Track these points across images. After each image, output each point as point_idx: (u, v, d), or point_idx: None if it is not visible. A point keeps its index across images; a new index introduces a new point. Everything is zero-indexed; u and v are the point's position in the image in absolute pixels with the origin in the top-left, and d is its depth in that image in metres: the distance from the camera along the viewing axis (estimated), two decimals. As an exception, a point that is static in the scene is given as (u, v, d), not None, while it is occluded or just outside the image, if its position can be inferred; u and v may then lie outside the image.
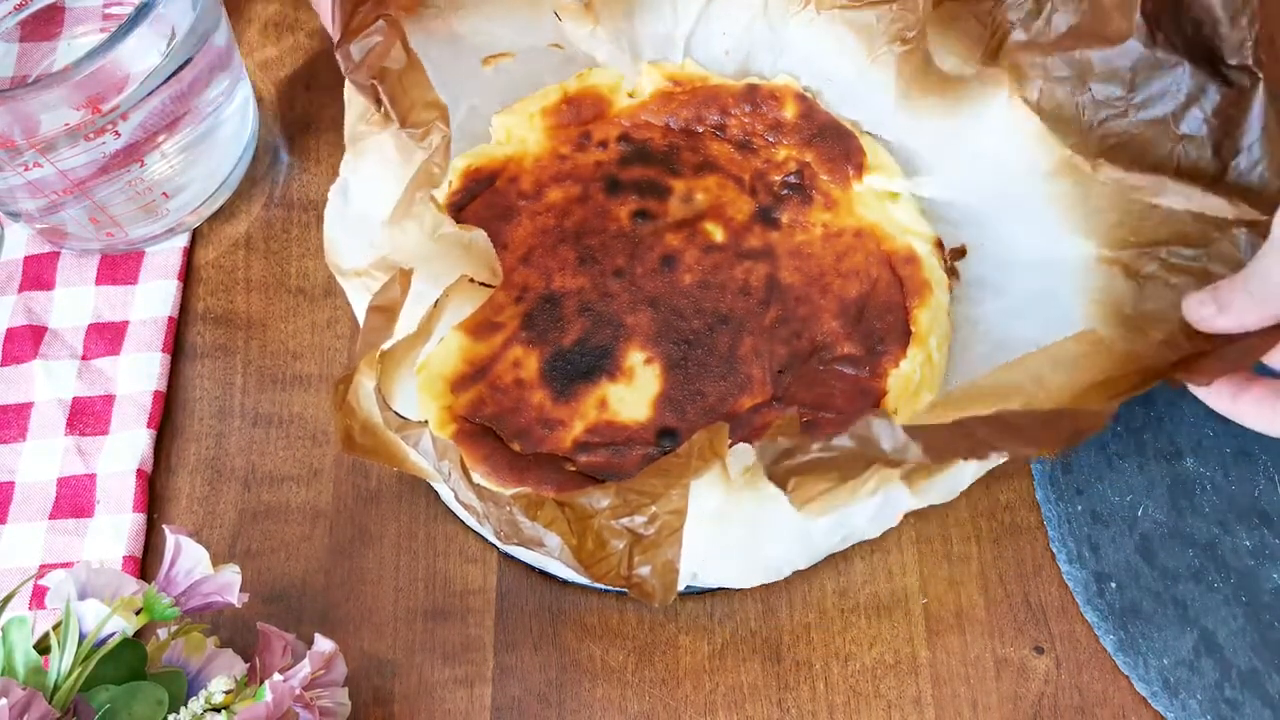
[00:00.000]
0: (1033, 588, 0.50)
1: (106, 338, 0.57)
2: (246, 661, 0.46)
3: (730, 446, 0.42)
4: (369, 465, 0.54)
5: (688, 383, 0.51)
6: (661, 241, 0.54)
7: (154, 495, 0.54)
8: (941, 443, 0.39)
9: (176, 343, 0.58)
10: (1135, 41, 0.49)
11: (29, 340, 0.58)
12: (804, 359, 0.51)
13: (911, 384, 0.50)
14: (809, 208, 0.55)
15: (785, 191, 0.55)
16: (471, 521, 0.52)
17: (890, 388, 0.50)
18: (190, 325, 0.58)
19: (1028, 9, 0.51)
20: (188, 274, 0.60)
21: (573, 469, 0.49)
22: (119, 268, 0.59)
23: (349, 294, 0.52)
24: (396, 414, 0.43)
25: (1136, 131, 0.50)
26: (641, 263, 0.54)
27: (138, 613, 0.43)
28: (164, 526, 0.46)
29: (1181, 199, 0.48)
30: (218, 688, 0.42)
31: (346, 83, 0.48)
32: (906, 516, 0.49)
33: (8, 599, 0.44)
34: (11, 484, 0.54)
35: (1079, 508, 0.51)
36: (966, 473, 0.47)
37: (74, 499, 0.54)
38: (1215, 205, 0.47)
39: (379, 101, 0.47)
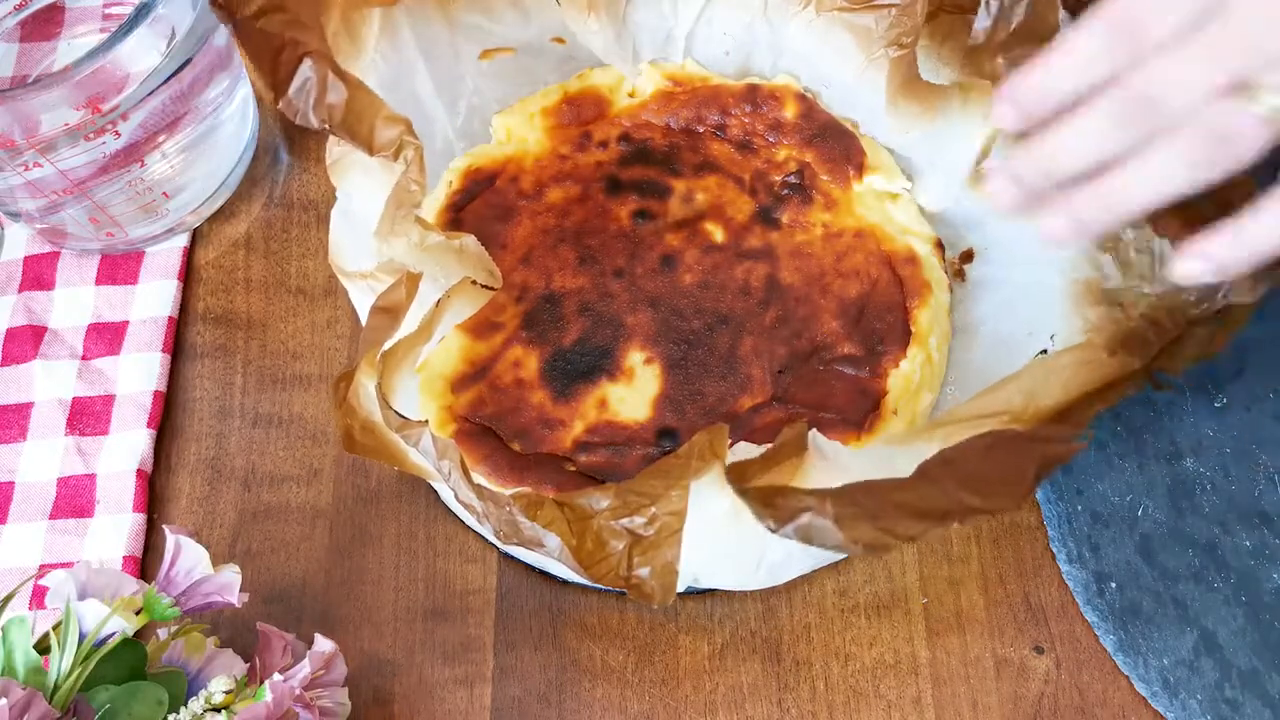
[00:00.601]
0: (1033, 588, 0.50)
1: (106, 338, 0.57)
2: (246, 661, 0.46)
3: (730, 447, 0.42)
4: (369, 465, 0.54)
5: (688, 383, 0.51)
6: (662, 241, 0.54)
7: (154, 495, 0.54)
8: (887, 529, 0.38)
9: (176, 343, 0.58)
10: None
11: (29, 340, 0.58)
12: (804, 359, 0.51)
13: (911, 384, 0.50)
14: (809, 208, 0.55)
15: (785, 191, 0.55)
16: (471, 521, 0.52)
17: (890, 388, 0.50)
18: (190, 325, 0.58)
19: (995, 14, 0.51)
20: (188, 274, 0.60)
21: (573, 469, 0.49)
22: (119, 268, 0.59)
23: (353, 296, 0.52)
24: (397, 413, 0.43)
25: None
26: (642, 263, 0.54)
27: (138, 613, 0.43)
28: (164, 526, 0.46)
29: None
30: (218, 688, 0.42)
31: None
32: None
33: (8, 599, 0.44)
34: (11, 484, 0.54)
35: (1079, 508, 0.51)
36: None
37: (74, 499, 0.54)
38: None
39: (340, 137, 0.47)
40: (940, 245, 0.54)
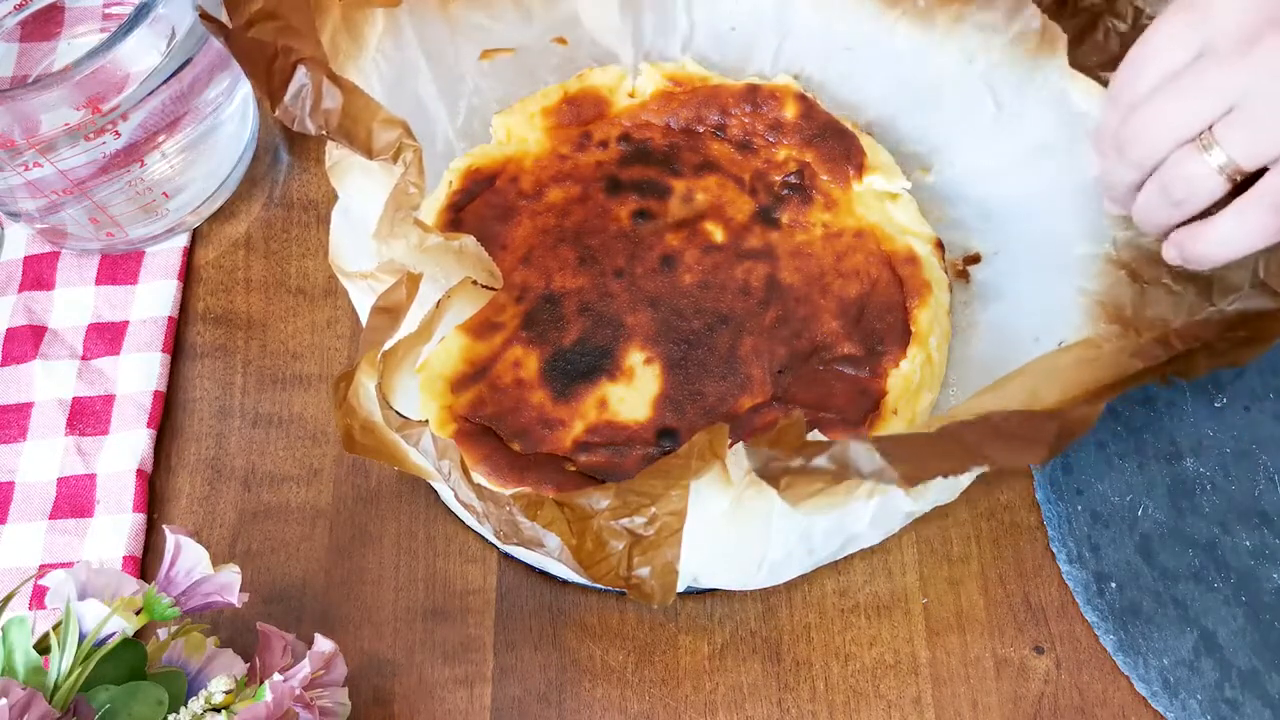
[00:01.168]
0: (1033, 588, 0.50)
1: (106, 338, 0.57)
2: (246, 661, 0.46)
3: (730, 447, 0.42)
4: (369, 465, 0.54)
5: (688, 383, 0.51)
6: (662, 241, 0.54)
7: (154, 495, 0.54)
8: (921, 461, 0.38)
9: (176, 343, 0.58)
10: None
11: (29, 340, 0.58)
12: (804, 359, 0.51)
13: (912, 384, 0.50)
14: (809, 208, 0.55)
15: (785, 191, 0.55)
16: (471, 521, 0.52)
17: (890, 388, 0.50)
18: (190, 325, 0.58)
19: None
20: (188, 274, 0.60)
21: (573, 469, 0.49)
22: (119, 268, 0.59)
23: (353, 296, 0.52)
24: (397, 413, 0.43)
25: None
26: (641, 263, 0.54)
27: (138, 613, 0.43)
28: (164, 526, 0.46)
29: None
30: (218, 688, 0.42)
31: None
32: (906, 516, 0.49)
33: (8, 599, 0.44)
34: (11, 484, 0.54)
35: (1079, 508, 0.51)
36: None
37: (74, 499, 0.54)
38: None
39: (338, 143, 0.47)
40: (940, 245, 0.54)
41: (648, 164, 0.56)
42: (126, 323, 0.58)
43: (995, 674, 0.48)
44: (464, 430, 0.49)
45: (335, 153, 0.50)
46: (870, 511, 0.46)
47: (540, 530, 0.41)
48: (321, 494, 0.54)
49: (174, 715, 0.41)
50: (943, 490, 0.47)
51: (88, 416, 0.56)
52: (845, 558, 0.51)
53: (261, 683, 0.42)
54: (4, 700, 0.38)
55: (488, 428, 0.50)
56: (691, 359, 0.51)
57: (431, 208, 0.55)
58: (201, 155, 0.59)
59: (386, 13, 0.54)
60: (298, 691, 0.43)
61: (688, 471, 0.41)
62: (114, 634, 0.42)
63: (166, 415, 0.56)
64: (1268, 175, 0.41)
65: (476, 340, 0.52)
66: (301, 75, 0.46)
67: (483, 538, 0.52)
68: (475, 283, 0.47)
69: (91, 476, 0.54)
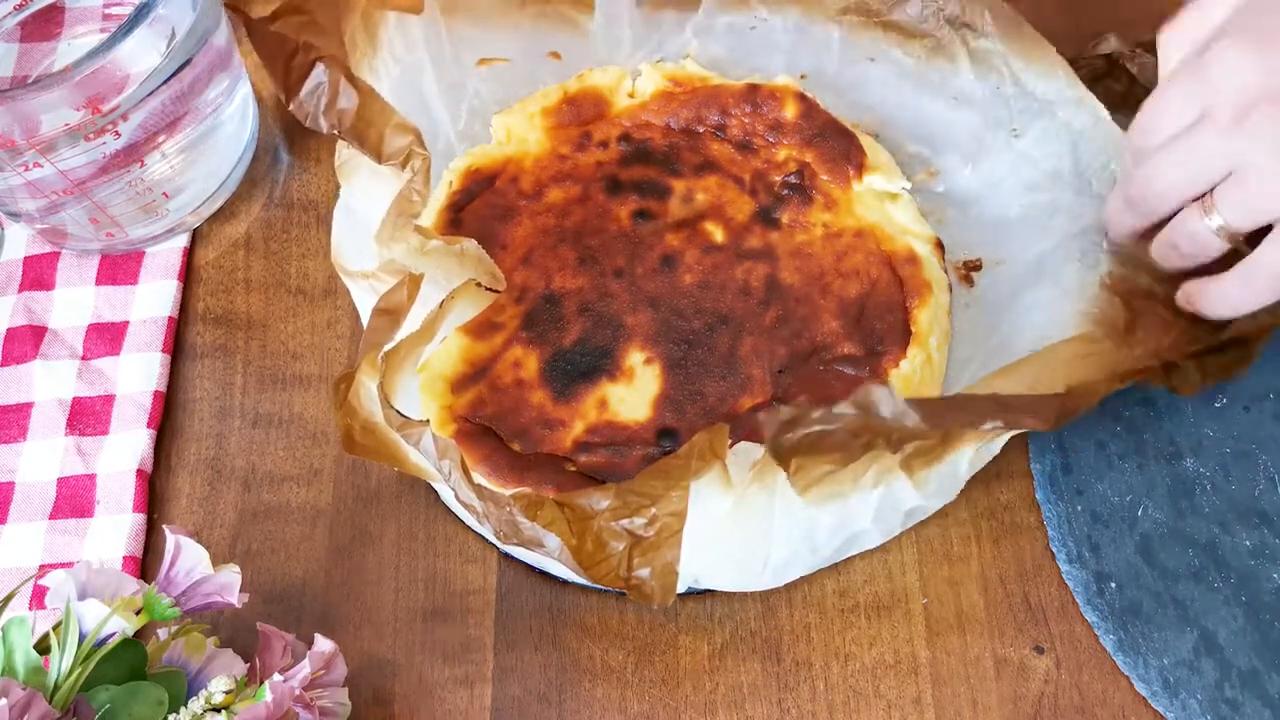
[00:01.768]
0: (1033, 588, 0.50)
1: (106, 338, 0.57)
2: (246, 661, 0.46)
3: (730, 447, 0.42)
4: (369, 465, 0.54)
5: (688, 383, 0.51)
6: (662, 241, 0.54)
7: (154, 495, 0.54)
8: (939, 413, 0.40)
9: (176, 343, 0.58)
10: None
11: (29, 340, 0.58)
12: (804, 359, 0.51)
13: (912, 384, 0.50)
14: (809, 208, 0.55)
15: (785, 191, 0.55)
16: (471, 521, 0.52)
17: (890, 388, 0.50)
18: (190, 325, 0.58)
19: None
20: (188, 274, 0.60)
21: (573, 469, 0.49)
22: (119, 268, 0.59)
23: (355, 295, 0.52)
24: (398, 413, 0.43)
25: None
26: (642, 263, 0.54)
27: (138, 613, 0.43)
28: (164, 526, 0.46)
29: None
30: (218, 688, 0.42)
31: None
32: (907, 516, 0.49)
33: (8, 599, 0.44)
34: (11, 484, 0.54)
35: (1079, 508, 0.51)
36: (963, 463, 0.47)
37: (74, 499, 0.54)
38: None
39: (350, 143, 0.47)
40: (940, 245, 0.54)
41: (648, 164, 0.56)
42: (126, 323, 0.58)
43: (995, 674, 0.48)
44: (464, 430, 0.49)
45: (345, 151, 0.50)
46: (873, 507, 0.46)
47: (540, 530, 0.42)
48: (321, 494, 0.54)
49: (174, 715, 0.41)
50: (942, 483, 0.47)
51: (88, 416, 0.56)
52: (845, 559, 0.51)
53: (261, 683, 0.42)
54: (4, 700, 0.38)
55: (488, 428, 0.50)
56: (691, 359, 0.51)
57: (431, 208, 0.55)
58: (201, 155, 0.59)
59: (398, 14, 0.54)
60: (298, 691, 0.43)
61: (688, 472, 0.41)
62: (114, 634, 0.42)
63: (166, 415, 0.56)
64: (1267, 242, 0.43)
65: (476, 340, 0.52)
66: (320, 73, 0.46)
67: (483, 538, 0.52)
68: (478, 284, 0.47)
69: (91, 476, 0.54)
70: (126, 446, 0.55)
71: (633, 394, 0.50)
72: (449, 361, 0.51)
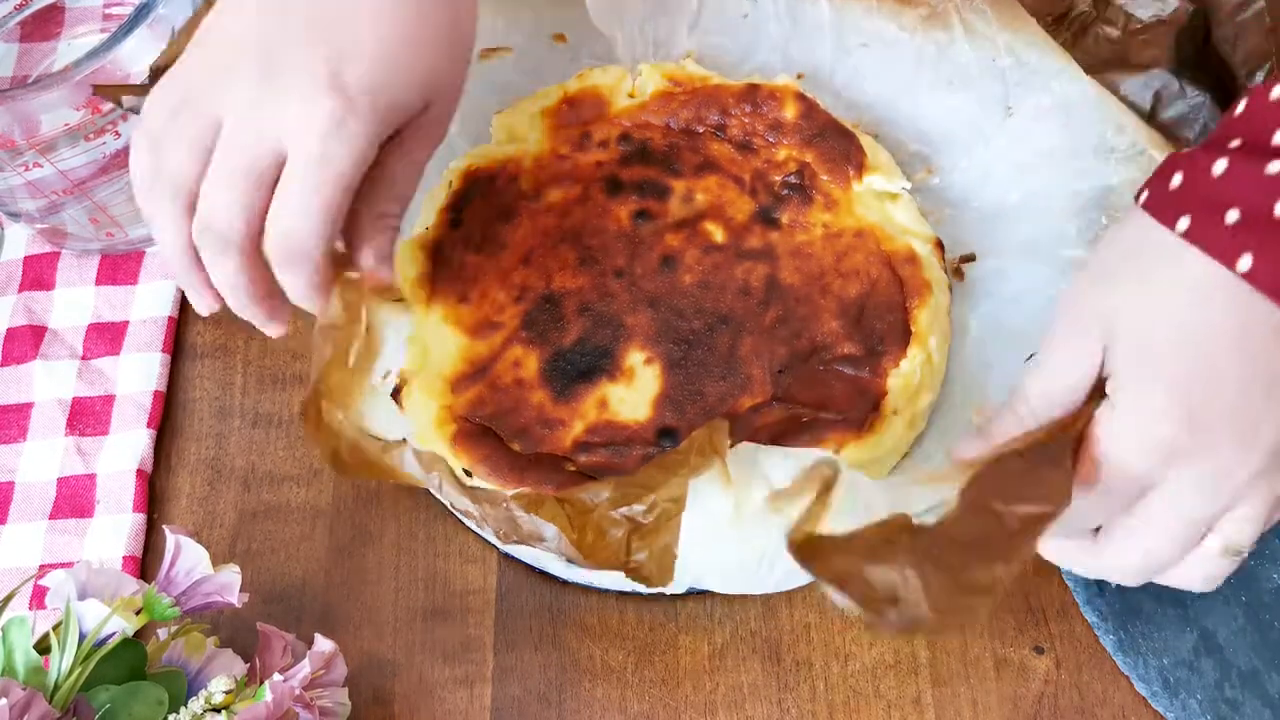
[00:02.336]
0: (1033, 588, 0.50)
1: (106, 338, 0.57)
2: (246, 661, 0.46)
3: (731, 447, 0.42)
4: (369, 465, 0.54)
5: (688, 383, 0.51)
6: (661, 241, 0.54)
7: (154, 495, 0.54)
8: (959, 588, 0.35)
9: (176, 342, 0.58)
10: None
11: (29, 340, 0.58)
12: (804, 359, 0.51)
13: (912, 384, 0.50)
14: (809, 208, 0.55)
15: (785, 191, 0.55)
16: (471, 522, 0.52)
17: (890, 388, 0.50)
18: (190, 325, 0.58)
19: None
20: (188, 274, 0.60)
21: (573, 469, 0.49)
22: (119, 268, 0.59)
23: None
24: (374, 437, 0.43)
25: None
26: (641, 263, 0.54)
27: (138, 613, 0.43)
28: (164, 526, 0.46)
29: None
30: (218, 688, 0.42)
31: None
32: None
33: (8, 599, 0.44)
34: (11, 484, 0.54)
35: (1079, 508, 0.51)
36: None
37: (74, 499, 0.54)
38: None
39: None
40: (940, 245, 0.54)
41: (648, 164, 0.56)
42: (126, 323, 0.58)
43: (995, 674, 0.48)
44: (464, 430, 0.49)
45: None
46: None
47: (539, 522, 0.41)
48: (321, 494, 0.54)
49: (174, 715, 0.41)
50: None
51: (88, 416, 0.56)
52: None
53: (261, 683, 0.42)
54: (4, 700, 0.38)
55: (487, 428, 0.50)
56: (691, 359, 0.51)
57: (431, 208, 0.55)
58: (201, 155, 0.58)
59: None
60: (298, 691, 0.43)
61: (687, 466, 0.41)
62: (114, 634, 0.42)
63: (166, 415, 0.56)
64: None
65: (476, 340, 0.52)
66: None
67: (483, 538, 0.52)
68: (398, 300, 0.47)
69: (91, 476, 0.54)
70: (126, 446, 0.55)
71: (633, 394, 0.50)
72: (448, 361, 0.51)
